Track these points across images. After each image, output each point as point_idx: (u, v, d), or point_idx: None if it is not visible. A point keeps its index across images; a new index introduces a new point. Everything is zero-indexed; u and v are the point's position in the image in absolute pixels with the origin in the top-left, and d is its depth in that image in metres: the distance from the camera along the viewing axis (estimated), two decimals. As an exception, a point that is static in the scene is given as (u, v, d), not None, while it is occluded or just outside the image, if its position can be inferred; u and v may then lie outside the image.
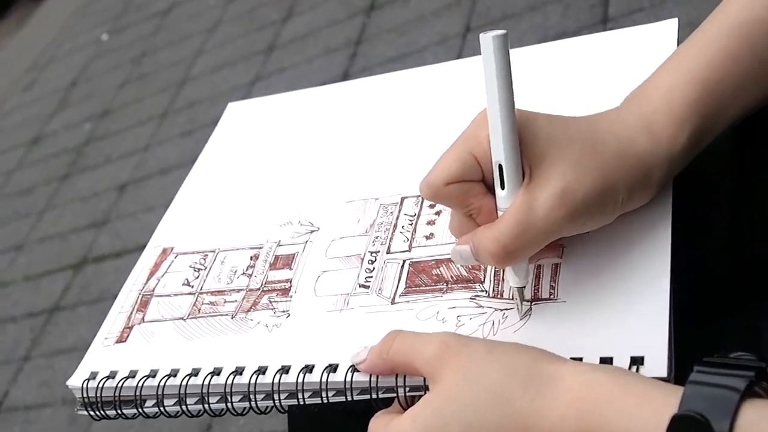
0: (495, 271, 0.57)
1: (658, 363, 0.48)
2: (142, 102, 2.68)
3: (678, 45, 0.58)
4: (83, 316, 2.02)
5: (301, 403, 0.55)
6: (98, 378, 0.61)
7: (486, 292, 0.56)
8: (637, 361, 0.48)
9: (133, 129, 2.59)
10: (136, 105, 2.69)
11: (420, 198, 0.65)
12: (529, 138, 0.51)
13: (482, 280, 0.57)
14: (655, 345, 0.48)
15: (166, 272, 0.69)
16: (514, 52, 0.53)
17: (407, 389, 0.52)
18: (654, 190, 0.54)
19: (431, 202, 0.63)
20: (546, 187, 0.50)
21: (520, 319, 0.54)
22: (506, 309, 0.54)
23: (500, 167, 0.51)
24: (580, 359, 0.49)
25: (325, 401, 0.55)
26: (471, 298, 0.56)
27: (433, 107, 0.74)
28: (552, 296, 0.54)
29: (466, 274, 0.57)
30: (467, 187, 0.52)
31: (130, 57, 2.93)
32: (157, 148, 2.44)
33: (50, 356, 1.98)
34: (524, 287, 0.54)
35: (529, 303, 0.54)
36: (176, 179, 2.22)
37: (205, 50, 2.68)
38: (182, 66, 2.69)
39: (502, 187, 0.51)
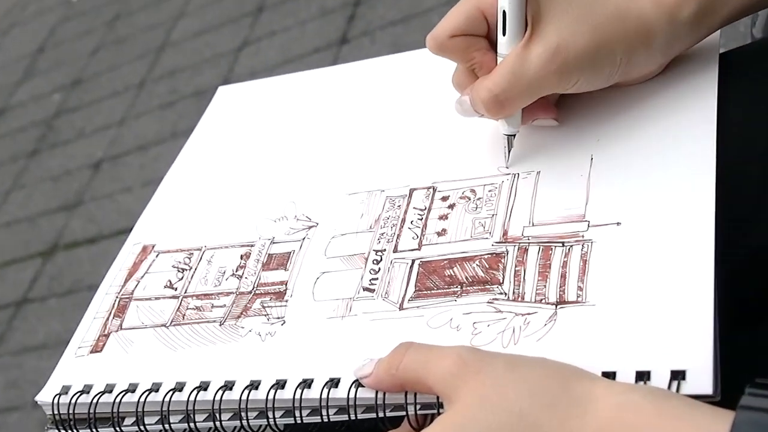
0: (515, 270, 0.56)
1: (702, 378, 0.47)
2: (117, 70, 2.67)
3: None
4: (54, 310, 2.02)
5: (299, 421, 0.55)
6: (71, 393, 0.61)
7: (505, 294, 0.55)
8: (678, 376, 0.47)
9: (108, 100, 2.58)
10: (110, 73, 2.68)
11: (431, 190, 0.64)
12: None
13: (501, 281, 0.56)
14: (698, 357, 0.48)
15: (146, 273, 0.68)
16: None
17: (418, 407, 0.52)
18: (658, 60, 0.60)
19: (443, 195, 0.63)
20: (541, 42, 0.57)
21: (507, 167, 0.62)
22: (528, 314, 0.54)
23: (504, 14, 0.58)
24: (613, 374, 0.49)
25: (326, 420, 0.54)
26: (488, 302, 0.55)
27: (445, 90, 0.72)
28: (580, 299, 0.53)
29: (482, 275, 0.57)
30: (471, 41, 0.60)
31: (103, 20, 2.92)
32: (135, 122, 2.43)
33: (18, 354, 1.98)
34: (514, 135, 0.62)
35: (554, 306, 0.53)
36: (156, 156, 2.22)
37: (187, 12, 2.67)
38: (161, 30, 2.68)
39: (504, 33, 0.58)
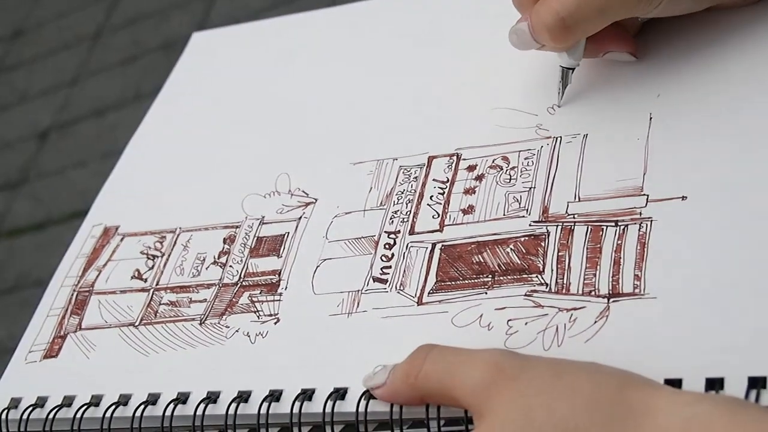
0: (558, 256, 0.56)
1: (786, 386, 0.47)
2: (67, 18, 2.67)
3: None
4: (-5, 309, 2.04)
5: (298, 440, 0.55)
6: (22, 407, 0.61)
7: (546, 285, 0.55)
8: (757, 384, 0.47)
9: (56, 55, 2.58)
10: (58, 22, 2.68)
11: (454, 158, 0.64)
12: None
13: (541, 269, 0.56)
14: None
15: (109, 260, 0.68)
16: None
17: (443, 423, 0.52)
18: None
19: (470, 163, 0.63)
20: None
21: (560, 105, 0.64)
22: (575, 309, 0.54)
23: None
24: (679, 382, 0.49)
25: (330, 438, 0.55)
26: (526, 295, 0.55)
27: (469, 32, 0.73)
28: (637, 290, 0.53)
29: (518, 262, 0.57)
30: None
31: (50, -44, 2.92)
32: (89, 81, 2.43)
33: (-47, 362, 1.99)
34: (573, 69, 0.63)
35: (606, 300, 0.53)
36: (116, 122, 2.22)
37: (151, -54, 2.67)
38: (120, -31, 2.68)
39: None
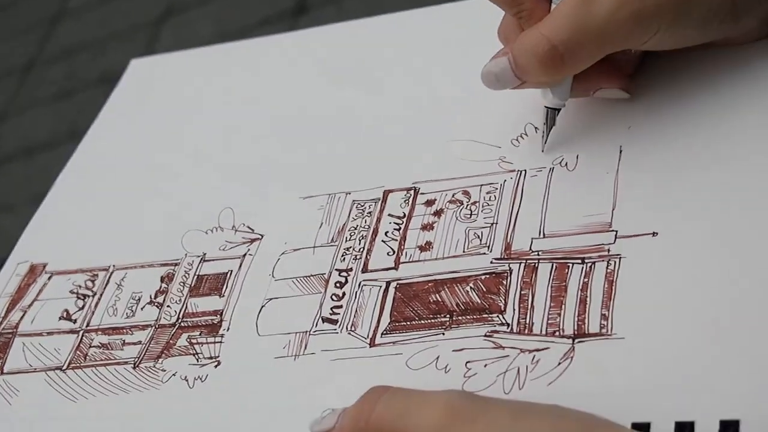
0: (521, 294, 0.58)
1: (760, 430, 0.48)
2: (-5, 49, 2.67)
3: None
4: None
5: (239, 491, 0.56)
6: (-65, 458, 0.62)
7: (507, 325, 0.57)
8: (729, 428, 0.49)
9: (-19, 89, 2.57)
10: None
11: (412, 192, 0.66)
12: None
13: (502, 308, 0.58)
14: (755, 404, 0.49)
15: (35, 300, 0.69)
16: None
17: (394, 472, 0.53)
18: None
19: (428, 198, 0.65)
20: None
21: (544, 150, 0.63)
22: (537, 350, 0.55)
23: None
24: (647, 426, 0.50)
25: (274, 489, 0.56)
26: (486, 336, 0.57)
27: (427, 61, 0.75)
28: (604, 330, 0.55)
29: (478, 301, 0.58)
30: None
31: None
32: (19, 118, 2.43)
33: None
34: (559, 110, 0.62)
35: (570, 340, 0.55)
36: (47, 164, 2.22)
37: (89, -29, 2.68)
38: (55, -6, 2.69)
39: None
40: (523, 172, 0.64)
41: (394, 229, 0.64)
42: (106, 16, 2.54)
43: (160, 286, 0.67)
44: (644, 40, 0.60)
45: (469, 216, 0.63)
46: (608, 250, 0.58)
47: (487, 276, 0.59)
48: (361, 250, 0.64)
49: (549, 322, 0.56)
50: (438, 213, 0.64)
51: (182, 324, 0.64)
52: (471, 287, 0.59)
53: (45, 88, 2.46)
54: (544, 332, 0.56)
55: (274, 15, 2.14)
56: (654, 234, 0.57)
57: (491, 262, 0.60)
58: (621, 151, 0.62)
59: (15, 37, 2.67)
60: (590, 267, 0.57)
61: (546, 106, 0.63)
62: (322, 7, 2.11)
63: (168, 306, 0.65)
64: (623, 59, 0.64)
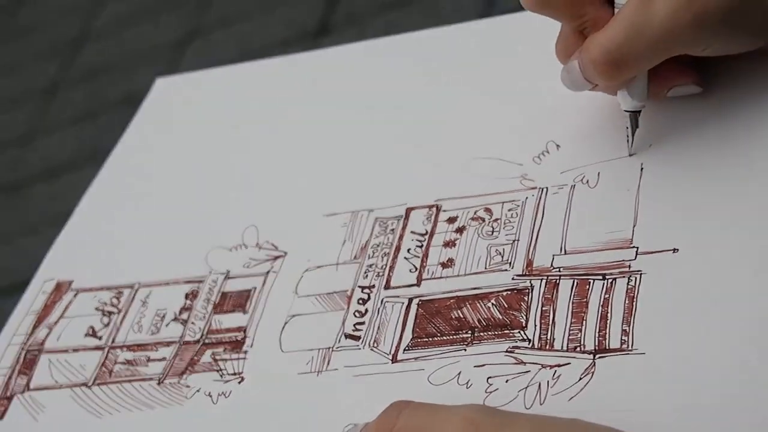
0: (542, 310, 0.59)
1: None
2: (19, 71, 2.69)
3: None
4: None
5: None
6: (-37, 473, 0.63)
7: (529, 341, 0.58)
8: (749, 442, 0.49)
9: (6, 112, 2.59)
10: (9, 76, 2.69)
11: (434, 210, 0.67)
12: None
13: (524, 324, 0.58)
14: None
15: (61, 317, 0.70)
16: None
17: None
18: None
19: (450, 215, 0.66)
20: None
21: (631, 153, 0.63)
22: (558, 365, 0.56)
23: None
24: (668, 441, 0.51)
25: (297, 504, 0.56)
26: (507, 351, 0.57)
27: (451, 79, 0.76)
28: (624, 346, 0.55)
29: (500, 317, 0.59)
30: None
31: None
32: (42, 140, 2.44)
33: None
34: (639, 112, 0.63)
35: (591, 356, 0.56)
36: (70, 186, 2.22)
37: (113, -7, 2.70)
38: (78, 16, 2.70)
39: None
40: (545, 190, 0.65)
41: (417, 246, 0.65)
42: (130, 38, 2.55)
43: (185, 303, 0.68)
44: (702, 48, 0.61)
45: (491, 233, 0.64)
46: (629, 267, 0.58)
47: (509, 292, 0.60)
48: (384, 267, 0.65)
49: (570, 337, 0.57)
50: (460, 230, 0.65)
51: (206, 341, 0.65)
52: (493, 303, 0.60)
53: (68, 110, 2.47)
54: (565, 348, 0.56)
55: (295, 37, 2.15)
56: (675, 251, 0.58)
57: (513, 279, 0.61)
58: (642, 169, 0.63)
59: (38, 60, 2.68)
60: (611, 283, 0.58)
61: (625, 110, 0.64)
62: (344, 29, 2.12)
63: (192, 323, 0.66)
64: (685, 58, 0.64)
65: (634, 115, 0.64)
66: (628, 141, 0.64)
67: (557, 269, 0.60)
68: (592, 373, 0.55)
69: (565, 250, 0.61)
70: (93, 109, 2.43)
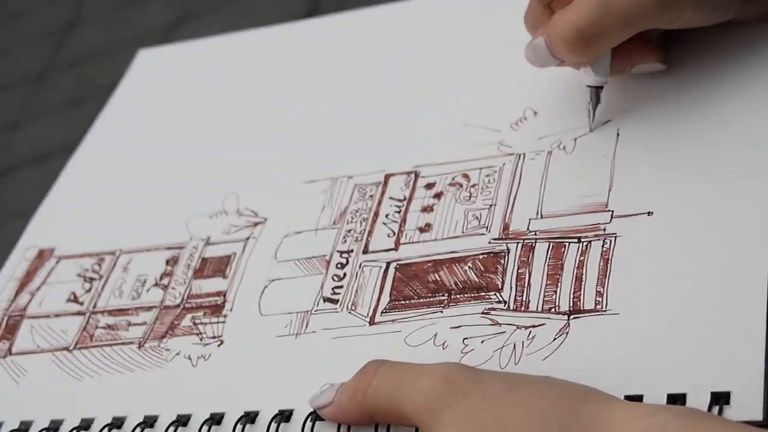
0: (518, 273, 0.59)
1: (750, 401, 0.49)
2: (8, 56, 2.68)
3: None
4: None
5: (240, 465, 0.57)
6: (-56, 435, 0.63)
7: (504, 303, 0.58)
8: (720, 399, 0.50)
9: (-6, 96, 2.59)
10: (-2, 60, 2.69)
11: (412, 176, 0.67)
12: None
13: (500, 286, 0.59)
14: (746, 376, 0.50)
15: (43, 283, 0.71)
16: None
17: (392, 445, 0.54)
18: None
19: (428, 181, 0.66)
20: None
21: (592, 128, 0.63)
22: (533, 326, 0.56)
23: None
24: (639, 398, 0.51)
25: (275, 462, 0.56)
26: (483, 313, 0.58)
27: (428, 48, 0.76)
28: (599, 307, 0.56)
29: (476, 280, 0.60)
30: None
31: (-12, -11, 2.94)
32: (31, 125, 2.44)
33: None
34: (602, 87, 0.63)
35: (566, 316, 0.56)
36: (59, 171, 2.22)
37: (102, -21, 2.69)
38: (68, 1, 2.69)
39: None
40: (522, 156, 0.65)
41: (395, 211, 0.65)
42: (119, 23, 2.54)
43: (165, 269, 0.68)
44: (670, 21, 0.62)
45: (468, 198, 0.64)
46: (604, 230, 0.59)
47: (485, 255, 0.61)
48: (362, 232, 0.65)
49: (545, 299, 0.57)
50: (438, 195, 0.65)
51: (186, 305, 0.65)
52: (469, 266, 0.60)
53: (57, 96, 2.47)
54: (540, 309, 0.57)
55: (284, 20, 2.15)
56: (649, 213, 0.59)
57: (489, 242, 0.61)
58: (618, 135, 0.63)
59: (27, 45, 2.67)
60: (586, 246, 0.58)
61: (588, 85, 0.64)
62: (332, 11, 2.12)
63: (173, 288, 0.67)
64: (650, 34, 0.65)
65: (596, 90, 0.64)
66: (589, 116, 0.65)
67: (533, 233, 0.61)
68: (567, 333, 0.55)
69: (541, 214, 0.61)
70: (82, 95, 2.43)
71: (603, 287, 0.56)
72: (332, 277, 0.63)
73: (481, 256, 0.61)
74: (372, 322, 0.60)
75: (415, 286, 0.61)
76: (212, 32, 2.36)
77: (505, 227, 0.62)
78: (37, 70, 2.58)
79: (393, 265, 0.62)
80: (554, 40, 0.62)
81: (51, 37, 2.64)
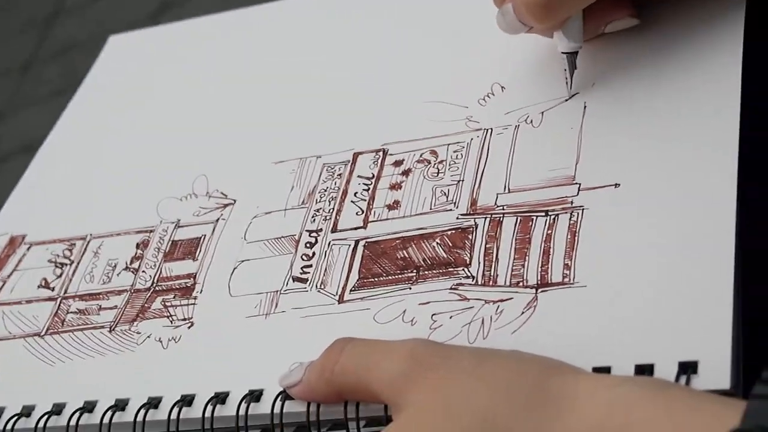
0: (485, 248, 0.59)
1: (718, 370, 0.49)
2: (-7, 47, 2.68)
3: None
4: None
5: (211, 445, 0.57)
6: None
7: (472, 278, 0.58)
8: (687, 369, 0.50)
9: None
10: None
11: (380, 154, 0.67)
12: None
13: (468, 262, 0.59)
14: (713, 345, 0.50)
15: (14, 270, 0.71)
16: None
17: (362, 424, 0.54)
18: None
19: (396, 159, 0.66)
20: None
21: (571, 95, 0.63)
22: (501, 300, 0.56)
23: None
24: (607, 370, 0.51)
25: (246, 442, 0.56)
26: (451, 289, 0.58)
27: (396, 25, 0.76)
28: (567, 280, 0.56)
29: (444, 255, 0.60)
30: None
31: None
32: (17, 116, 2.44)
33: None
34: (576, 53, 0.63)
35: (534, 290, 0.56)
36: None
37: (84, -32, 2.69)
38: (51, -8, 2.69)
39: None
40: (490, 131, 0.65)
41: (363, 189, 0.65)
42: (103, 13, 2.54)
43: (136, 253, 0.68)
44: None
45: (436, 174, 0.64)
46: (571, 203, 0.59)
47: (453, 231, 0.61)
48: (331, 211, 0.65)
49: (513, 273, 0.57)
50: (406, 173, 0.65)
51: (157, 288, 0.66)
52: (437, 243, 0.60)
53: (42, 87, 2.47)
54: (508, 283, 0.57)
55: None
56: (616, 185, 0.58)
57: (457, 218, 0.61)
58: (585, 108, 0.63)
59: (12, 36, 2.68)
60: (554, 219, 0.59)
61: (562, 52, 0.64)
62: None
63: (143, 271, 0.67)
64: None
65: (572, 56, 0.64)
66: (566, 83, 0.64)
67: (501, 207, 0.61)
68: (534, 306, 0.55)
69: (508, 189, 0.61)
70: (67, 85, 2.43)
71: (570, 260, 0.56)
72: (301, 257, 0.63)
73: (449, 232, 0.61)
74: (341, 300, 0.60)
75: (384, 264, 0.61)
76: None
77: (473, 202, 0.62)
78: (21, 61, 2.58)
79: (362, 243, 0.62)
80: (518, 5, 0.61)
81: (35, 27, 2.64)
